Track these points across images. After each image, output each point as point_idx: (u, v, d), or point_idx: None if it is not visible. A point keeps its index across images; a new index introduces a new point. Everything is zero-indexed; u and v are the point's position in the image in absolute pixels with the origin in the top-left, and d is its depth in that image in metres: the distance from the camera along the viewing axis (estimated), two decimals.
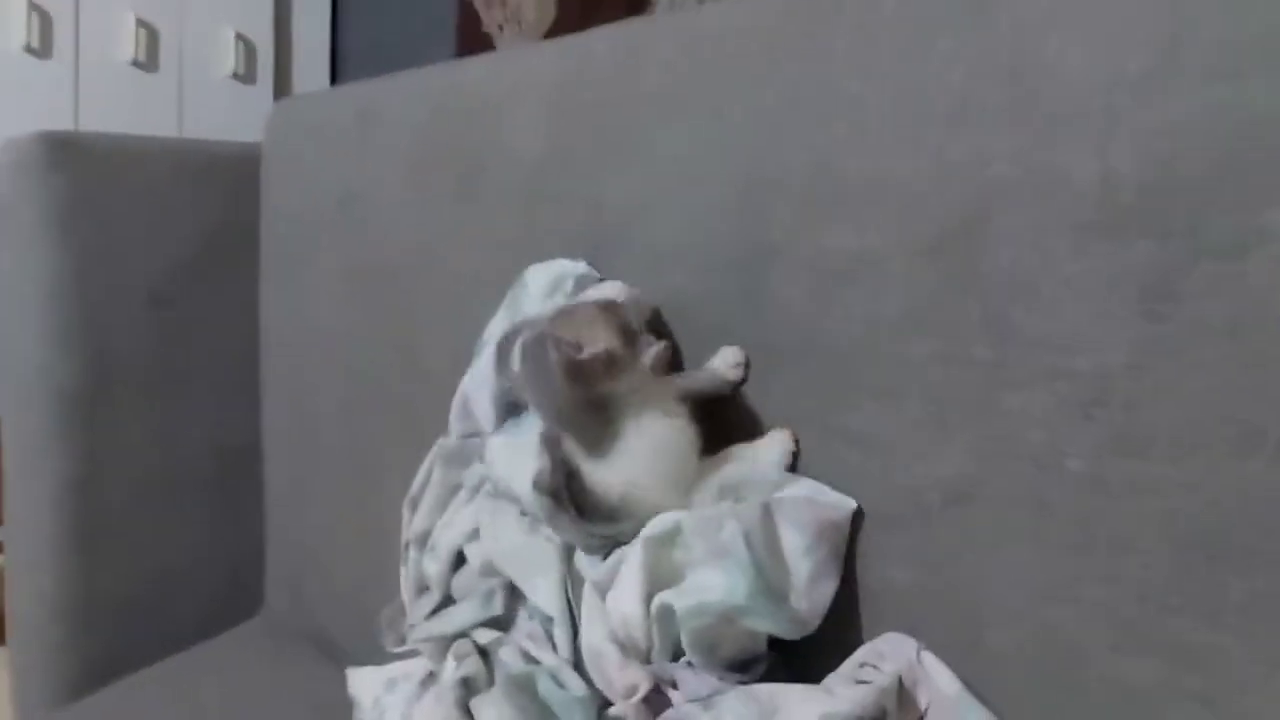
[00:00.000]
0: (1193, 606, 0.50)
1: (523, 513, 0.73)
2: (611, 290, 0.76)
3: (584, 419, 0.66)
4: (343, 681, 0.96)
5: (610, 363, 0.64)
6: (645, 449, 0.65)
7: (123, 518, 1.25)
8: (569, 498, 0.68)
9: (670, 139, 0.77)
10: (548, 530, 0.72)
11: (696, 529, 0.64)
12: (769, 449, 0.68)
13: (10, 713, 1.31)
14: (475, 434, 0.79)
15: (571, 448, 0.67)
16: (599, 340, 0.64)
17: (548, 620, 0.70)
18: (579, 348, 0.63)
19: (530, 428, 0.71)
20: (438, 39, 1.98)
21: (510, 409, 0.78)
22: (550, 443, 0.68)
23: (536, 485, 0.68)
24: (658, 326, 0.75)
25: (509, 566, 0.74)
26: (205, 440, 1.31)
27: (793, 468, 0.67)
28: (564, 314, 0.67)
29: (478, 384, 0.80)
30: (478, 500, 0.79)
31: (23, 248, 1.21)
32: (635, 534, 0.66)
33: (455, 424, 0.81)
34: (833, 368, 0.65)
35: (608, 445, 0.65)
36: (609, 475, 0.66)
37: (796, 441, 0.67)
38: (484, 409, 0.79)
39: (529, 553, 0.72)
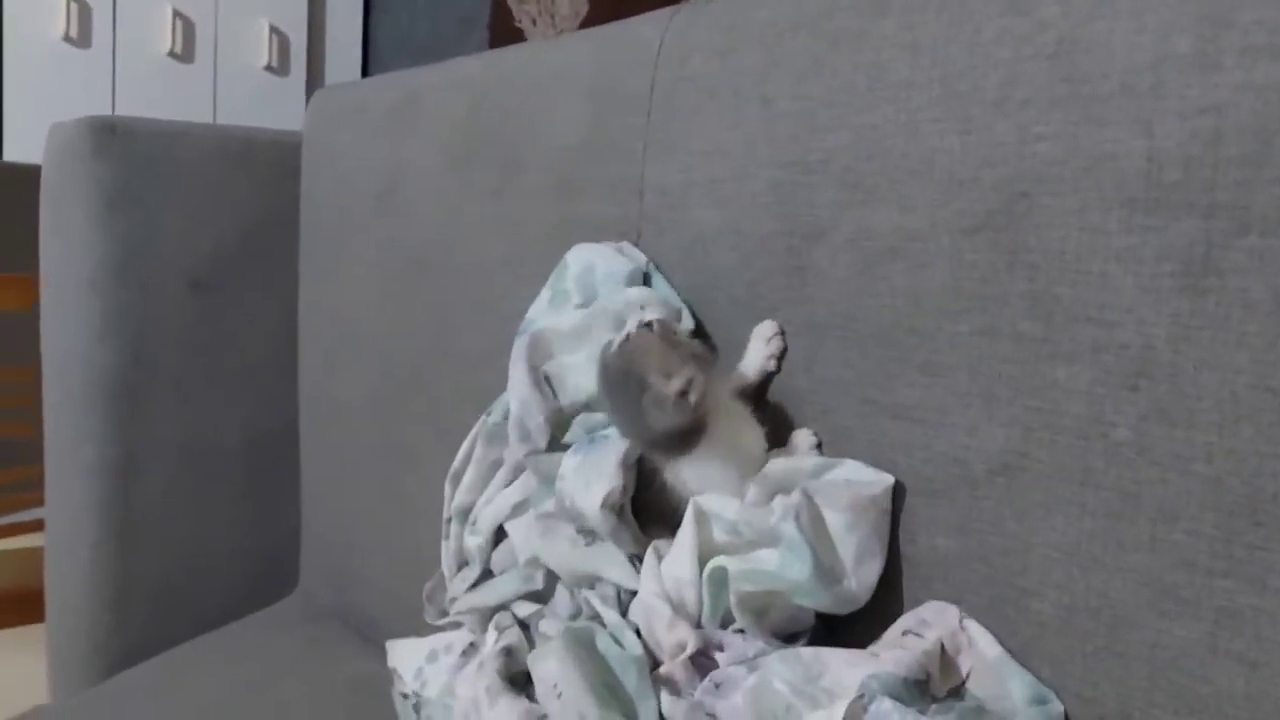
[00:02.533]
0: (1237, 572, 0.51)
1: (579, 531, 0.75)
2: (640, 296, 0.79)
3: (672, 439, 0.70)
4: (377, 657, 0.97)
5: (699, 393, 0.68)
6: (724, 452, 0.69)
7: (160, 500, 1.28)
8: (653, 500, 0.72)
9: (715, 125, 0.78)
10: (601, 547, 0.74)
11: (746, 518, 0.66)
12: (797, 449, 0.71)
13: (46, 692, 1.34)
14: (536, 451, 0.81)
15: (657, 457, 0.72)
16: (682, 372, 0.67)
17: (627, 592, 0.72)
18: (670, 384, 0.67)
19: (605, 449, 0.73)
20: (469, 32, 2.01)
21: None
22: (628, 465, 0.72)
23: (605, 505, 0.71)
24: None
25: (575, 567, 0.76)
26: (242, 424, 1.33)
27: (839, 444, 0.69)
28: (637, 350, 0.69)
29: (526, 407, 0.81)
30: (528, 521, 0.80)
31: (68, 233, 1.24)
32: None
33: (517, 446, 0.82)
34: (877, 343, 0.67)
35: (690, 450, 0.70)
36: (690, 477, 0.70)
37: (816, 434, 0.71)
38: (538, 426, 0.80)
39: (592, 555, 0.74)
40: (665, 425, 0.68)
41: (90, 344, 1.23)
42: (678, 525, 0.70)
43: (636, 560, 0.73)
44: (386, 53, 2.30)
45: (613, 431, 0.75)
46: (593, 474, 0.73)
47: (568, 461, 0.75)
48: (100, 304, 1.23)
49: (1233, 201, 0.51)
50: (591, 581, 0.76)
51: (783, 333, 0.73)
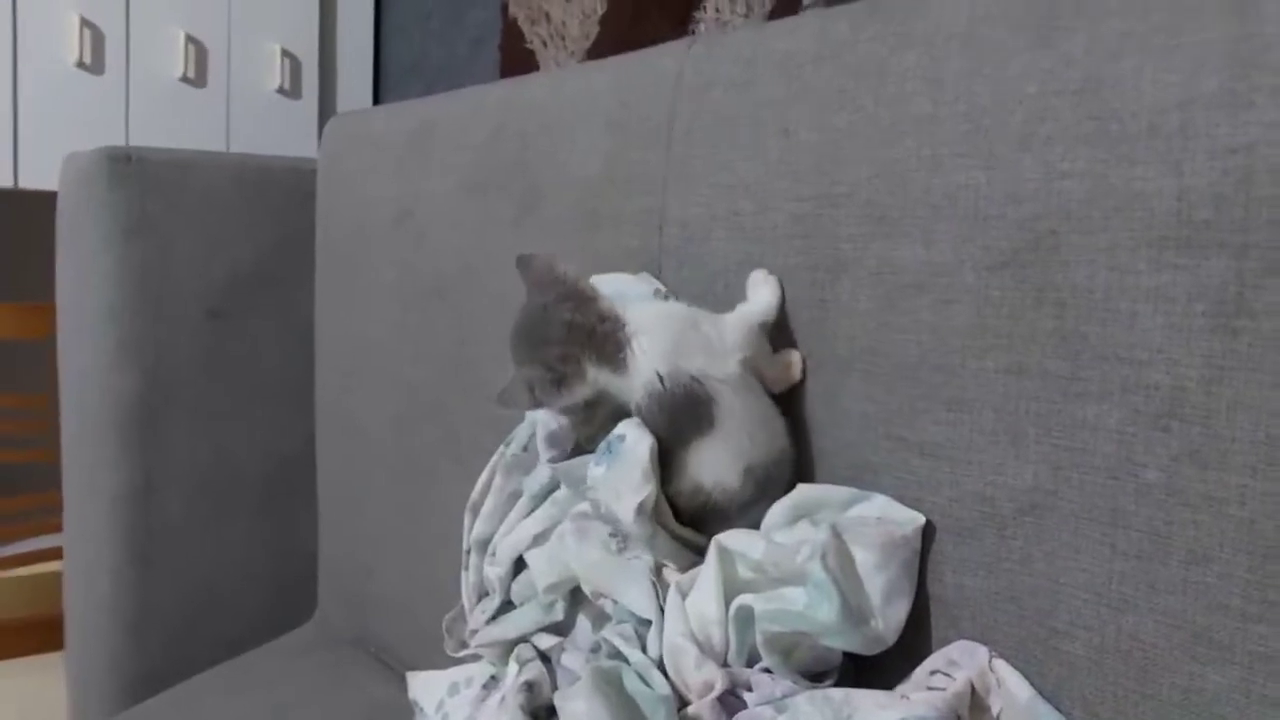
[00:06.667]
0: (1271, 616, 0.51)
1: (611, 534, 0.74)
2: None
3: (592, 333, 0.71)
4: (395, 685, 0.97)
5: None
6: (734, 442, 0.69)
7: (179, 526, 1.28)
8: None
9: (736, 157, 0.78)
10: (634, 551, 0.73)
11: (772, 557, 0.66)
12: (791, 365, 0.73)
13: (67, 718, 1.34)
14: (563, 456, 0.81)
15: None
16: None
17: (642, 624, 0.71)
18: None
19: (629, 458, 0.71)
20: (481, 54, 2.01)
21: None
22: (654, 467, 0.71)
23: (640, 513, 0.70)
24: None
25: (598, 580, 0.75)
26: (259, 451, 1.33)
27: (862, 480, 0.69)
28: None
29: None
30: (561, 523, 0.80)
31: (85, 261, 1.24)
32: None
33: (544, 450, 0.81)
34: (902, 379, 0.66)
35: (621, 358, 0.70)
36: (695, 462, 0.70)
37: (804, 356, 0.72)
38: (564, 428, 0.81)
39: (618, 568, 0.73)
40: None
41: (107, 371, 1.24)
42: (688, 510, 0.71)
43: (657, 584, 0.72)
44: (398, 75, 2.30)
45: (629, 434, 0.73)
46: (623, 485, 0.72)
47: (594, 471, 0.74)
48: (117, 332, 1.24)
49: (1266, 241, 0.51)
50: (611, 600, 0.75)
51: (804, 365, 0.73)
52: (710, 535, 0.72)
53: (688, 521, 0.74)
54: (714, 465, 0.70)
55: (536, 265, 0.75)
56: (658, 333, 0.70)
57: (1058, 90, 0.59)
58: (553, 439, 0.81)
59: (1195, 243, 0.53)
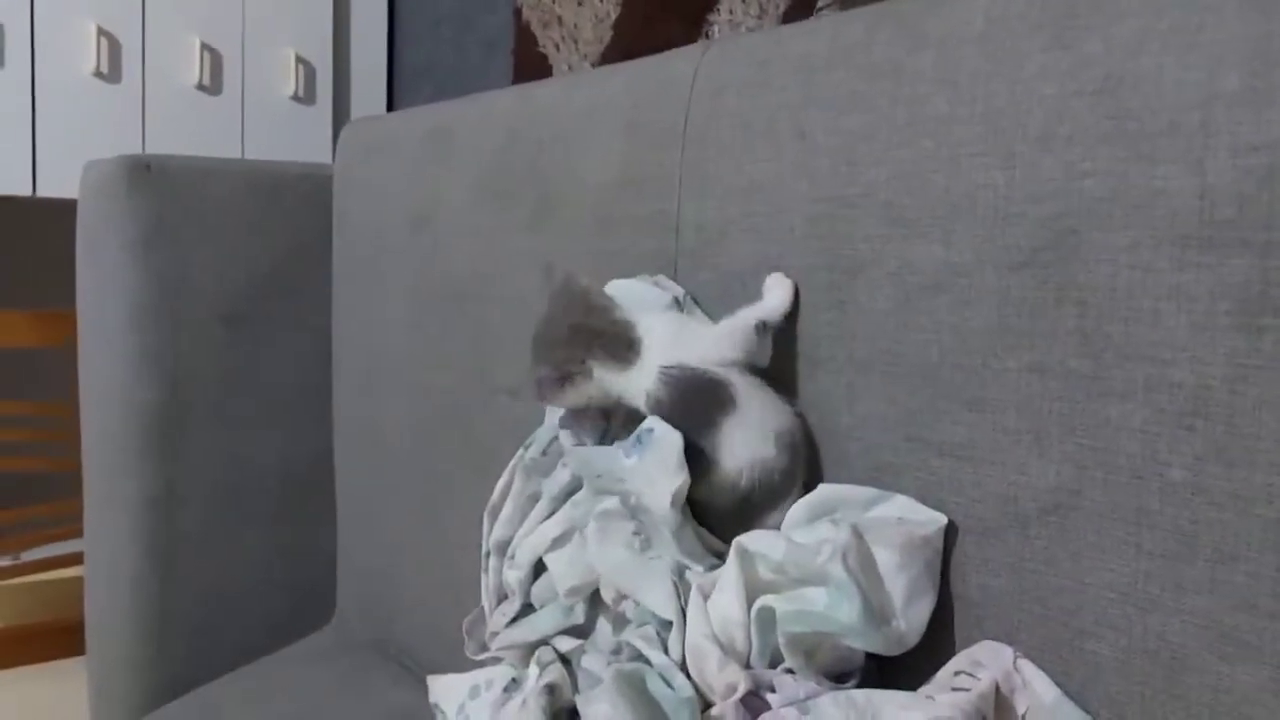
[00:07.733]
0: None
1: (635, 532, 0.75)
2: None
3: (600, 335, 0.76)
4: (415, 688, 0.97)
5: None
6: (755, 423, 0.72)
7: (198, 532, 1.28)
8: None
9: (751, 159, 0.78)
10: (655, 551, 0.74)
11: (792, 557, 0.66)
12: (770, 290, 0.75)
13: None
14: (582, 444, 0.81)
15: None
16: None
17: (664, 625, 0.72)
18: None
19: (662, 446, 0.72)
20: (493, 58, 2.02)
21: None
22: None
23: (675, 502, 0.71)
24: None
25: (621, 580, 0.75)
26: (278, 456, 1.34)
27: (883, 481, 0.69)
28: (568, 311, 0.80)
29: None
30: (583, 525, 0.80)
31: (105, 270, 1.25)
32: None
33: (567, 440, 0.82)
34: (922, 379, 0.66)
35: (630, 356, 0.75)
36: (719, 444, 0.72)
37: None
38: (593, 420, 0.82)
39: (641, 568, 0.74)
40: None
41: (127, 379, 1.25)
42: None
43: (679, 585, 0.73)
44: (411, 79, 2.31)
45: (658, 426, 0.73)
46: (656, 472, 0.72)
47: (625, 463, 0.75)
48: (137, 340, 1.24)
49: None
50: (632, 602, 0.76)
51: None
52: (762, 522, 0.72)
53: (731, 521, 0.73)
54: (747, 440, 0.72)
55: (557, 276, 0.81)
56: (660, 331, 0.75)
57: (1076, 90, 0.59)
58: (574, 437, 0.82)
59: (1218, 241, 0.53)
